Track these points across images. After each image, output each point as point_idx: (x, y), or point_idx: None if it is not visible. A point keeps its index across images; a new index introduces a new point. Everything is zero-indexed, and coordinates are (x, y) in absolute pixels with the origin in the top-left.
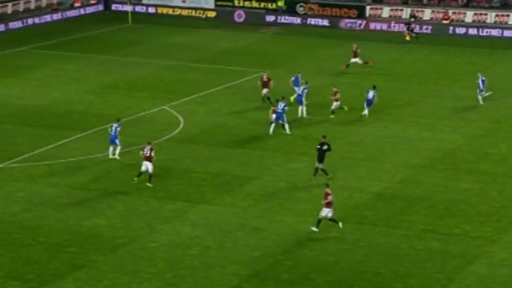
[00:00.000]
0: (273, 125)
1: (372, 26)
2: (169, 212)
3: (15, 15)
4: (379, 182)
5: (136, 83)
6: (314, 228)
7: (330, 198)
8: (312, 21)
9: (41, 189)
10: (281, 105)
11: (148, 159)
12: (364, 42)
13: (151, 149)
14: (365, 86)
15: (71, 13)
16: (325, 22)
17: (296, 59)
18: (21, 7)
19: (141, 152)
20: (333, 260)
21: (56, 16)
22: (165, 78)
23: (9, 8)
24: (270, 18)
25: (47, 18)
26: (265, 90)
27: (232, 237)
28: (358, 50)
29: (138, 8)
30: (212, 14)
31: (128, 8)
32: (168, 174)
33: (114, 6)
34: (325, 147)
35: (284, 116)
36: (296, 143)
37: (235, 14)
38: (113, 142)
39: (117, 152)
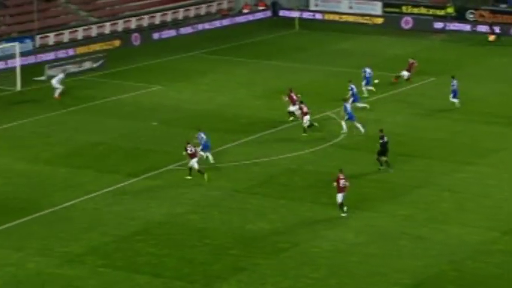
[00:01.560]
0: (344, 123)
1: None
2: (333, 218)
3: (186, 21)
4: None
5: (303, 88)
6: (343, 214)
7: (342, 183)
8: (482, 28)
9: (206, 191)
10: (347, 106)
11: (194, 155)
12: None
13: (194, 146)
14: None
15: (240, 19)
16: (496, 29)
17: (464, 67)
18: (192, 13)
19: (185, 153)
20: (498, 272)
21: (225, 22)
22: (330, 85)
23: (181, 14)
24: (438, 25)
25: (217, 23)
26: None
27: (395, 245)
28: (415, 64)
29: (306, 14)
30: (379, 21)
31: (295, 14)
32: (331, 180)
33: (281, 12)
34: (385, 139)
35: (354, 116)
36: (462, 152)
37: (403, 20)
38: (207, 148)
39: (210, 156)
